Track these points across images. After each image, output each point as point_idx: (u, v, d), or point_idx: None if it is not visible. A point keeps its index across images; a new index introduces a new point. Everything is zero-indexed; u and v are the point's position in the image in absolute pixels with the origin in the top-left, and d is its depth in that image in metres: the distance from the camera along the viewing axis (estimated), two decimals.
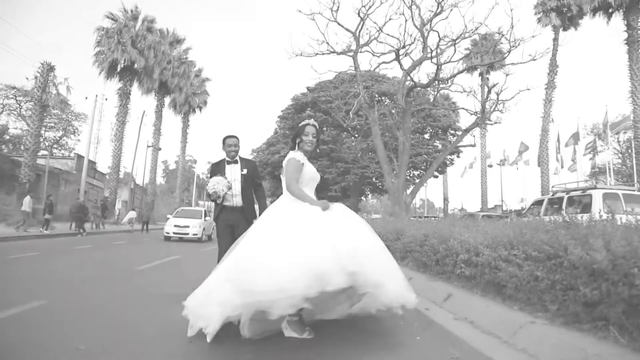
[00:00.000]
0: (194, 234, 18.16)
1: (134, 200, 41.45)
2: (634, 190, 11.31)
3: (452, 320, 3.63)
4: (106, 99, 41.95)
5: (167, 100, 42.72)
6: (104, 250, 12.21)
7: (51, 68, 24.11)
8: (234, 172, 4.84)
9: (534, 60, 12.63)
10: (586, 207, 10.31)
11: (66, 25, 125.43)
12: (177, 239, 18.20)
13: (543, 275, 3.36)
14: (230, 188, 4.67)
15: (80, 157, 33.24)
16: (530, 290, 3.52)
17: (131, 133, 45.97)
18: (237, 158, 4.93)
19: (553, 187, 13.29)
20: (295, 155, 3.75)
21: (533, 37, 12.31)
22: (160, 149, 40.59)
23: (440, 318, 3.73)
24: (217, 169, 4.90)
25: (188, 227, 18.16)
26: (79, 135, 50.13)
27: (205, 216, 20.30)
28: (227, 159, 4.90)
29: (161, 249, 13.39)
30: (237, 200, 4.83)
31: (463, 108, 15.70)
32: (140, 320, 3.91)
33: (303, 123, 3.94)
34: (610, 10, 27.08)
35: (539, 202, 12.81)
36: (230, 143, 4.86)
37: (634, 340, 2.56)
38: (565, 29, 29.85)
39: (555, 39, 29.94)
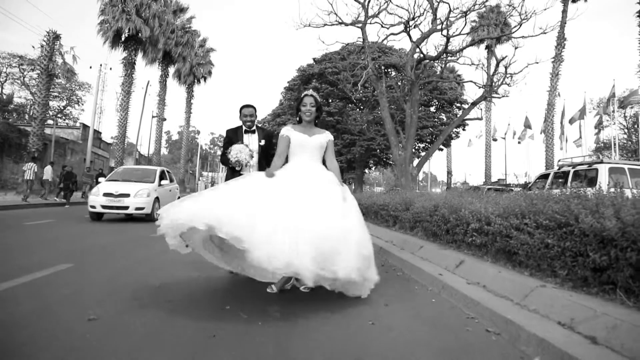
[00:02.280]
0: (138, 208, 11.57)
1: None
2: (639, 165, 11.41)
3: (465, 285, 3.82)
4: (110, 69, 41.88)
5: (172, 70, 42.57)
6: (113, 219, 12.45)
7: (57, 37, 23.95)
8: (252, 142, 4.86)
9: (545, 33, 12.55)
10: (592, 182, 10.43)
11: None
12: (114, 217, 12.43)
13: (554, 242, 3.53)
14: (252, 157, 4.68)
15: (85, 127, 33.35)
16: (541, 257, 3.70)
17: (135, 103, 46.01)
18: (254, 127, 4.98)
19: (559, 161, 13.40)
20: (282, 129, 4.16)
21: (545, 9, 12.23)
22: (165, 119, 40.62)
23: (454, 283, 3.91)
24: (233, 136, 4.90)
25: (127, 196, 11.47)
26: (82, 104, 50.17)
27: (161, 179, 13.19)
28: (244, 127, 4.94)
29: None
30: (254, 170, 4.80)
31: (471, 81, 15.64)
32: (162, 286, 4.11)
33: (303, 94, 4.14)
34: None
35: (544, 176, 12.93)
36: (246, 113, 4.89)
37: (639, 301, 2.75)
38: (574, 1, 29.42)
39: (564, 11, 29.51)
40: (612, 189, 3.83)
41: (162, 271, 4.82)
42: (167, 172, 14.48)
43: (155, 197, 12.13)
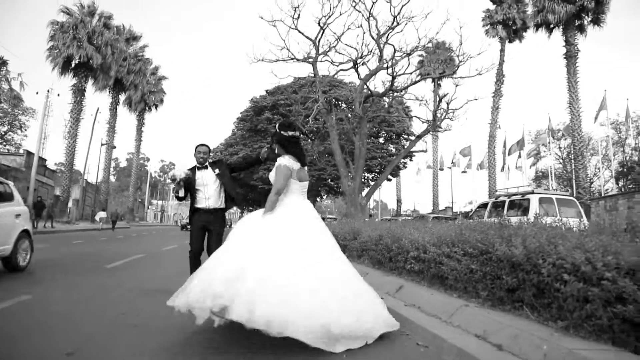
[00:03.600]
0: None
1: (86, 199, 40.57)
2: (566, 195, 12.55)
3: (403, 307, 4.32)
4: (58, 95, 40.98)
5: (122, 97, 42.20)
6: (67, 249, 12.32)
7: (3, 62, 23.60)
8: (206, 177, 5.22)
9: (480, 74, 13.76)
10: (525, 210, 11.39)
11: (14, 15, 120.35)
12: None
13: (477, 268, 4.10)
14: (187, 178, 5.06)
15: (29, 154, 32.26)
16: (467, 280, 4.26)
17: (84, 130, 45.05)
18: (207, 164, 5.32)
19: (496, 191, 14.43)
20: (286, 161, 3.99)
21: (479, 54, 13.44)
22: (114, 147, 40.02)
23: (393, 305, 4.40)
24: (189, 173, 5.23)
25: None
26: (26, 130, 48.36)
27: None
28: (197, 165, 5.30)
29: (121, 248, 13.57)
30: (211, 202, 5.21)
31: (415, 116, 16.81)
32: (127, 313, 4.37)
33: (292, 134, 4.19)
34: (551, 26, 28.92)
35: (484, 205, 13.87)
36: (200, 150, 5.28)
37: (540, 315, 3.32)
38: (510, 41, 31.88)
39: (502, 50, 31.88)
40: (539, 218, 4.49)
41: (122, 301, 5.05)
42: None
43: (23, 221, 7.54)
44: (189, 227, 18.05)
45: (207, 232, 5.25)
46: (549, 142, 32.98)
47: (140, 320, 4.00)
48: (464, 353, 2.91)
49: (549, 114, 53.02)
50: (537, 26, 29.44)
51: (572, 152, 31.01)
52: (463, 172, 39.85)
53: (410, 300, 4.49)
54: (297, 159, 4.04)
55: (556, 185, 38.60)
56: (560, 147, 41.76)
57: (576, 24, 27.74)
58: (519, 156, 33.73)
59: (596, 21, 27.52)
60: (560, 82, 27.75)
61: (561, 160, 42.04)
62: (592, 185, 36.32)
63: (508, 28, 30.93)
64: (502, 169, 33.83)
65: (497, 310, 3.66)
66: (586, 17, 27.70)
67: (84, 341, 3.33)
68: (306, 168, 4.21)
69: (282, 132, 4.12)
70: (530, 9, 29.79)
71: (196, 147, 5.37)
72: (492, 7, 31.44)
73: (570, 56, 27.14)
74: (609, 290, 2.72)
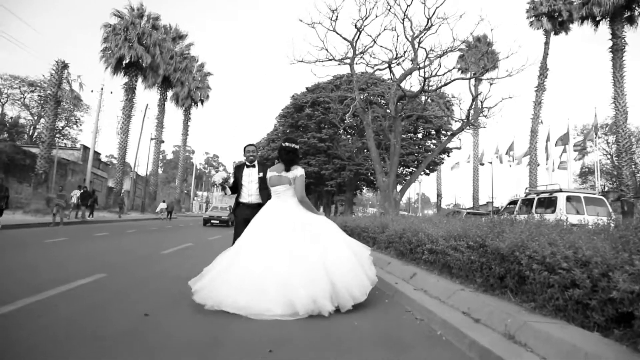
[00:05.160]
0: None
1: (136, 191, 42.85)
2: (594, 194, 12.80)
3: (412, 290, 5.06)
4: (111, 92, 43.35)
5: (170, 93, 44.07)
6: (125, 237, 13.63)
7: (65, 66, 25.46)
8: (252, 175, 6.02)
9: (510, 76, 14.10)
10: (553, 208, 11.79)
11: (65, 16, 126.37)
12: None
13: (475, 258, 4.79)
14: (227, 179, 5.88)
15: (86, 148, 34.52)
16: (468, 269, 4.96)
17: (134, 126, 47.30)
18: (255, 163, 6.09)
19: (526, 189, 14.75)
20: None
21: (507, 57, 13.80)
22: (163, 141, 41.95)
23: (405, 289, 5.16)
24: (237, 171, 6.05)
25: None
26: (81, 125, 51.40)
27: None
28: (246, 163, 6.05)
29: (172, 237, 14.79)
30: (253, 199, 5.94)
31: (449, 115, 17.17)
32: (184, 290, 5.30)
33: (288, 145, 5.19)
34: (597, 19, 28.32)
35: (514, 202, 14.27)
36: (249, 149, 6.01)
37: (519, 298, 4.00)
38: (556, 33, 31.17)
39: (547, 43, 31.27)
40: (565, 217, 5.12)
41: (178, 280, 5.99)
42: None
43: None
44: (212, 221, 20.12)
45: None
46: (596, 137, 32.30)
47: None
48: (447, 324, 3.66)
49: (595, 108, 51.55)
50: (582, 19, 28.88)
51: (621, 147, 30.19)
52: (509, 165, 39.32)
53: (420, 285, 5.22)
54: (283, 165, 5.07)
55: (604, 181, 37.70)
56: (608, 142, 40.64)
57: (625, 16, 26.98)
58: (564, 151, 33.15)
59: None
60: (609, 75, 26.96)
61: (609, 156, 40.92)
62: None
63: (553, 20, 30.21)
64: (547, 164, 33.35)
65: (486, 294, 4.35)
66: (637, 7, 26.91)
67: (155, 307, 4.26)
68: (289, 174, 5.07)
69: (281, 144, 5.25)
70: (576, 0, 29.11)
71: (245, 147, 6.07)
72: None
73: (617, 50, 26.50)
74: (564, 278, 3.38)
